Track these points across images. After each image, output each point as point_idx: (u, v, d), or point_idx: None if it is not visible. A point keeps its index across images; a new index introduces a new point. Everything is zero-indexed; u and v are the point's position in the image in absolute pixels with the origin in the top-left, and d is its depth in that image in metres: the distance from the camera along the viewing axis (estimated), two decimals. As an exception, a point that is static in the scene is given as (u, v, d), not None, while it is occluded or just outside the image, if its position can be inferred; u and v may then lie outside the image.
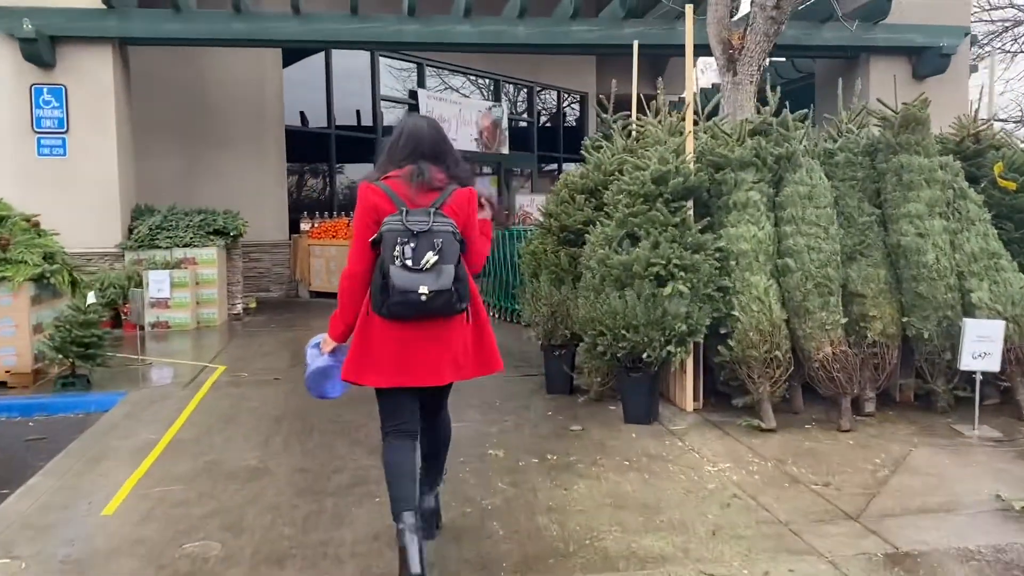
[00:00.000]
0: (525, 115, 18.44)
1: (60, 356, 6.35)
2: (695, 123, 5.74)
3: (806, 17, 10.64)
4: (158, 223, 9.93)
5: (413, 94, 15.40)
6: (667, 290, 5.01)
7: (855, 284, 5.47)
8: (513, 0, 10.74)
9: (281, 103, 13.18)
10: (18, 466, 4.95)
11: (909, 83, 10.87)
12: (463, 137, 16.00)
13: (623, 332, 5.06)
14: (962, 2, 11.59)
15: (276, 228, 13.16)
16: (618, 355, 5.16)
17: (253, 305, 11.70)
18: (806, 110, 5.86)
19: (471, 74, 16.90)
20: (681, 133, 5.63)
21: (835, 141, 5.93)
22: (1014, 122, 18.34)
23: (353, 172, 14.91)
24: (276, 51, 12.78)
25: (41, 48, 9.37)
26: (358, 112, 15.10)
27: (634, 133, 6.43)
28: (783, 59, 14.11)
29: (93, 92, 9.79)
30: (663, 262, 5.04)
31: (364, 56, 14.58)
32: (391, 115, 15.17)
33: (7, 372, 6.49)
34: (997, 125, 6.93)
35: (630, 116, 6.72)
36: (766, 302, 5.19)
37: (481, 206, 3.28)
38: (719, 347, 5.26)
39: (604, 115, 6.63)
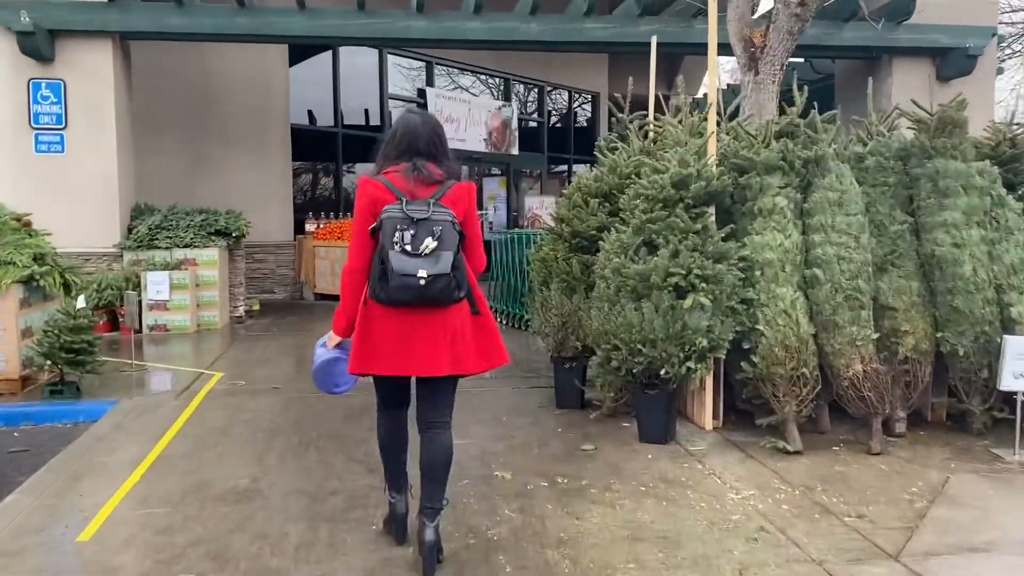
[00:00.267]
0: (535, 115, 18.13)
1: (49, 362, 6.08)
2: (716, 124, 5.42)
3: (828, 16, 10.30)
4: (158, 223, 9.66)
5: (422, 93, 15.12)
6: (687, 302, 4.69)
7: (886, 297, 5.15)
8: (525, -4, 10.47)
9: (287, 100, 12.92)
10: (-4, 481, 4.67)
11: (933, 85, 10.52)
12: (472, 137, 15.71)
13: (639, 346, 4.75)
14: (989, 1, 11.23)
15: (280, 228, 12.90)
16: (634, 371, 4.85)
17: (256, 308, 11.42)
18: (834, 111, 5.53)
19: (481, 73, 16.61)
20: (702, 134, 5.31)
21: (864, 144, 5.60)
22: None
23: (361, 172, 14.64)
24: (282, 47, 12.52)
25: (39, 42, 9.12)
26: (366, 111, 14.84)
27: (651, 134, 6.11)
28: (801, 60, 13.76)
29: (93, 87, 9.54)
30: (683, 272, 4.72)
31: (372, 54, 14.30)
32: (399, 114, 14.86)
33: (-6, 378, 6.22)
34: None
35: (647, 116, 6.40)
36: (793, 315, 4.87)
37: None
38: (742, 363, 4.94)
39: (620, 115, 6.31)
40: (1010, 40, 18.52)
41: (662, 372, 4.75)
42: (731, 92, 13.00)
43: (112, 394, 6.27)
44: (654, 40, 6.63)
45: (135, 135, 10.54)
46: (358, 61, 14.29)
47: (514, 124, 16.70)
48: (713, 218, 5.08)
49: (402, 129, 3.24)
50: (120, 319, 8.96)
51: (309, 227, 12.98)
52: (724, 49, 8.34)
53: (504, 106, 16.64)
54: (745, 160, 5.18)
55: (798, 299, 4.94)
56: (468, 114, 15.65)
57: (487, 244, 13.20)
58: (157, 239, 9.52)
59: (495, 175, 17.35)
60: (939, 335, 5.11)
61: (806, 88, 5.58)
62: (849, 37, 10.47)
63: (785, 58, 7.30)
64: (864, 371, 4.86)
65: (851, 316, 4.90)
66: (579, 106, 19.30)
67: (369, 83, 14.49)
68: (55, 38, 9.39)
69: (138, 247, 9.49)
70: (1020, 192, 5.62)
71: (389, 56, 14.49)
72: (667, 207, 4.93)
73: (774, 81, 7.29)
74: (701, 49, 11.69)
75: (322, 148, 14.10)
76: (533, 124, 18.07)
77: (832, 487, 4.28)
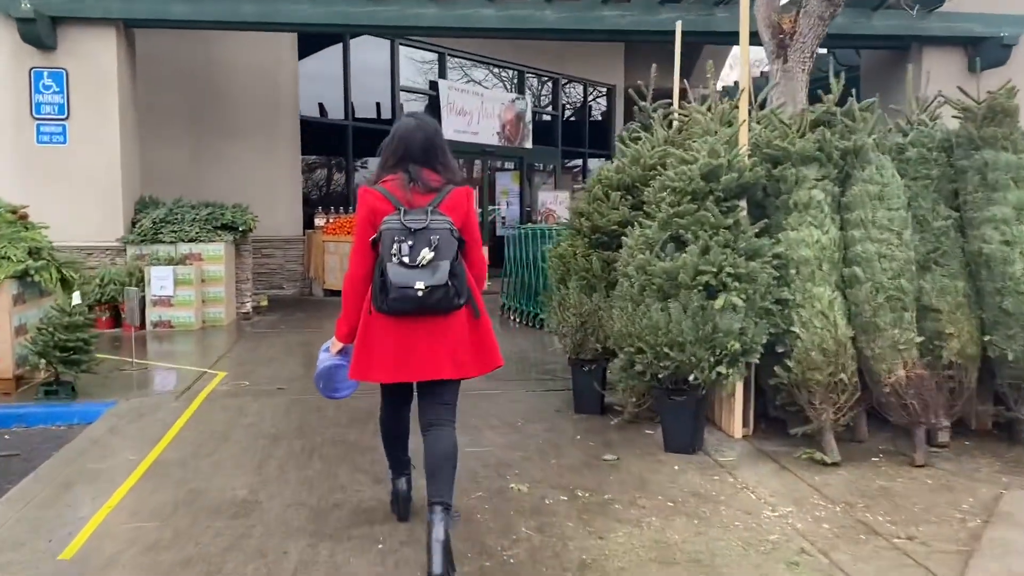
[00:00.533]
0: (549, 108, 17.78)
1: (44, 361, 5.81)
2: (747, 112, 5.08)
3: (856, 4, 9.91)
4: (162, 216, 9.39)
5: (434, 85, 14.81)
6: (719, 302, 4.36)
7: (929, 297, 4.80)
8: (541, -17, 10.13)
9: (296, 92, 12.63)
10: (-19, 490, 4.40)
11: (964, 76, 10.10)
12: (485, 130, 15.38)
13: (666, 350, 4.42)
14: (1024, -11, 10.80)
15: (289, 223, 12.63)
16: (659, 376, 4.52)
17: (264, 304, 11.17)
18: (873, 98, 5.18)
19: (494, 65, 16.27)
20: (731, 123, 4.98)
21: (905, 134, 5.25)
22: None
23: (372, 166, 14.33)
24: (291, 36, 12.23)
25: (40, 29, 8.85)
26: (378, 104, 14.54)
27: (676, 123, 5.77)
28: (823, 51, 13.36)
29: (96, 77, 9.28)
30: (714, 270, 4.39)
31: (384, 46, 14.00)
32: (411, 107, 14.60)
33: (-13, 377, 5.96)
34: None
35: (671, 104, 6.06)
36: (830, 317, 4.53)
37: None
38: (775, 368, 4.61)
39: (642, 103, 5.98)
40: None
41: (690, 378, 4.43)
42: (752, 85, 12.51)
43: (110, 394, 6.00)
44: (679, 26, 6.28)
45: (140, 126, 10.29)
46: (369, 53, 13.99)
47: (528, 117, 16.35)
48: (745, 212, 4.74)
49: (397, 136, 3.27)
50: (123, 315, 8.69)
51: (319, 222, 12.71)
52: (751, 37, 8.02)
53: (518, 99, 16.31)
54: (779, 150, 4.84)
55: (836, 299, 4.61)
56: (481, 107, 15.32)
57: (500, 239, 12.80)
58: (161, 233, 9.25)
59: (508, 169, 17.02)
60: (986, 338, 4.77)
61: (843, 74, 5.23)
62: (878, 26, 10.08)
63: (816, 45, 6.95)
64: (908, 377, 4.53)
65: (893, 318, 4.56)
66: (594, 99, 18.93)
67: (380, 75, 14.19)
68: (57, 25, 9.13)
69: (142, 241, 9.23)
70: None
71: (400, 47, 14.18)
72: (696, 200, 4.61)
73: (803, 69, 6.95)
74: (722, 38, 11.39)
75: (332, 141, 13.81)
76: (547, 117, 17.73)
77: (876, 504, 3.95)
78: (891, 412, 4.61)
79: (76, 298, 5.83)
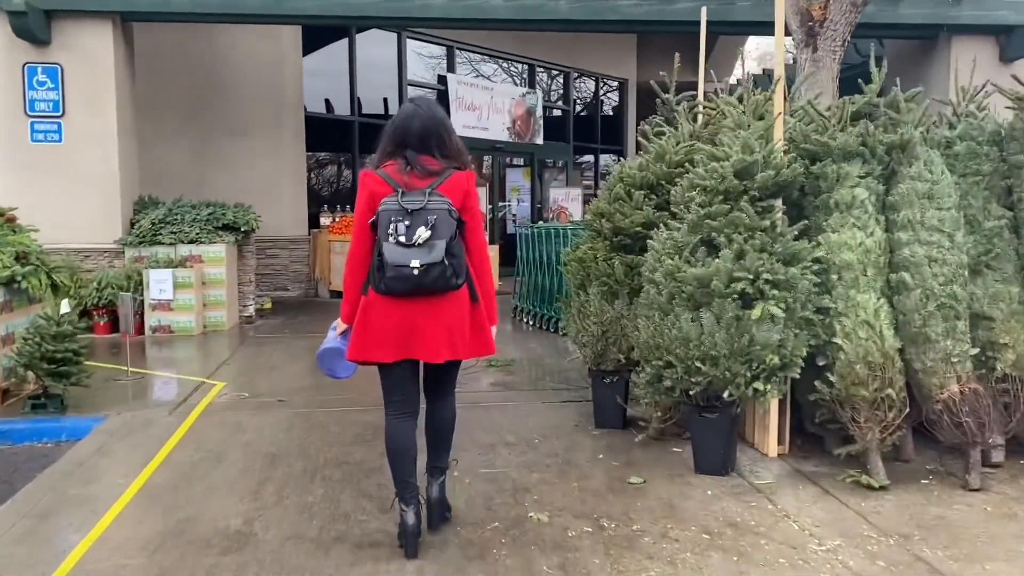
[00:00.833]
0: (560, 103, 17.38)
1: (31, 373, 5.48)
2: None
3: (882, -9, 9.49)
4: (161, 217, 9.06)
5: (442, 79, 14.43)
6: (755, 312, 3.99)
7: (981, 304, 4.42)
8: (554, -28, 9.73)
9: (300, 87, 12.28)
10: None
11: (996, 65, 9.67)
12: (495, 125, 15.00)
13: (698, 364, 4.05)
14: (1061, -25, 10.35)
15: (294, 222, 12.29)
16: (690, 391, 4.15)
17: (268, 306, 10.83)
18: (920, 88, 4.79)
19: (503, 58, 15.88)
20: (763, 117, 4.59)
21: (952, 127, 4.85)
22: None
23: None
24: (295, 30, 11.87)
25: (33, 23, 8.51)
26: (385, 100, 14.17)
27: (701, 117, 5.39)
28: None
29: (92, 72, 8.94)
30: (750, 277, 4.02)
31: (391, 41, 13.63)
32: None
33: (-29, 390, 5.63)
34: None
35: (694, 97, 5.68)
36: (876, 327, 4.15)
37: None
38: (815, 383, 4.23)
39: (665, 95, 5.59)
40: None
41: (725, 394, 4.05)
42: (766, 78, 12.14)
43: (101, 408, 5.67)
44: (704, 12, 5.90)
45: (139, 124, 9.95)
46: (376, 47, 13.63)
47: (539, 112, 15.96)
48: (782, 213, 4.36)
49: (397, 122, 3.30)
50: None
51: (324, 221, 12.38)
52: (771, 28, 7.63)
53: (528, 93, 15.91)
54: (819, 145, 4.45)
55: (882, 308, 4.22)
56: (490, 101, 14.94)
57: (511, 238, 12.34)
58: (160, 234, 8.92)
59: (518, 166, 16.63)
60: (1045, 349, 4.37)
61: (885, 61, 4.84)
62: (906, 14, 9.65)
63: (848, 33, 6.54)
64: (961, 392, 4.14)
65: (945, 328, 4.17)
66: (606, 94, 18.51)
67: (387, 70, 13.81)
68: (51, 19, 8.78)
69: (140, 243, 8.90)
70: None
71: (408, 41, 13.81)
72: (729, 200, 4.23)
73: (834, 59, 6.55)
74: (741, 28, 10.97)
75: (338, 138, 13.45)
76: (558, 112, 17.32)
77: (933, 535, 3.57)
78: (942, 431, 4.22)
79: (65, 306, 5.49)
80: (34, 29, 8.55)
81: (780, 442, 4.60)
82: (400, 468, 3.35)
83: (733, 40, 16.57)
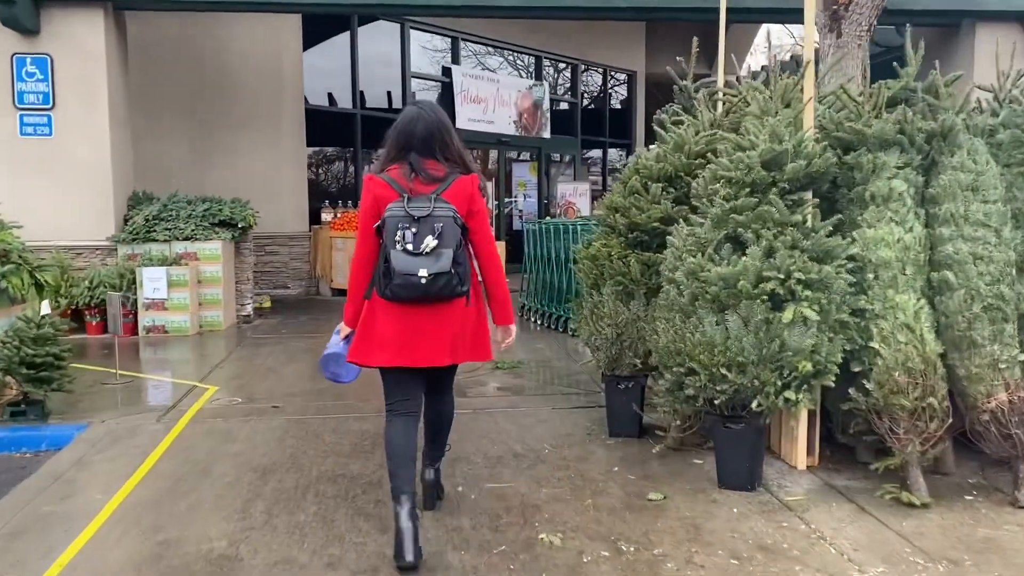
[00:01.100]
0: (568, 96, 17.02)
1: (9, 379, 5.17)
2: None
3: (904, -23, 9.11)
4: (156, 213, 8.75)
5: (447, 71, 14.10)
6: (787, 315, 3.65)
7: (1025, 304, 4.08)
8: (561, -41, 9.38)
9: (301, 79, 11.96)
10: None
11: (1020, 53, 9.27)
12: (501, 119, 14.66)
13: (723, 371, 3.72)
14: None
15: (295, 218, 11.98)
16: (715, 401, 3.82)
17: (267, 305, 10.53)
18: (959, 73, 4.44)
19: (510, 50, 15.53)
20: (789, 105, 4.25)
21: (995, 114, 4.50)
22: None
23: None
24: (295, 19, 11.55)
25: (21, 12, 8.19)
26: (389, 93, 13.85)
27: (721, 105, 5.05)
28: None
29: (83, 63, 8.61)
30: (780, 276, 3.68)
31: (393, 31, 13.30)
32: (423, 94, 13.90)
33: (-52, 396, 5.32)
34: None
35: (714, 83, 5.34)
36: (916, 330, 3.81)
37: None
38: (850, 391, 3.89)
39: (683, 83, 5.25)
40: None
41: (753, 404, 3.72)
42: (793, 63, 11.77)
43: (84, 415, 5.36)
44: (723, -5, 5.54)
45: (134, 117, 9.64)
46: (378, 39, 13.30)
47: (546, 105, 15.61)
48: (814, 207, 4.02)
49: (400, 125, 3.29)
50: (113, 320, 8.06)
51: (325, 217, 12.06)
52: (792, 15, 7.32)
53: (535, 86, 15.56)
54: (853, 133, 4.11)
55: (923, 309, 3.88)
56: (496, 94, 14.59)
57: (518, 234, 11.95)
58: (154, 231, 8.61)
59: (525, 160, 16.28)
60: (1098, 353, 4.02)
61: (922, 43, 4.49)
62: (930, 0, 9.28)
63: (874, 17, 6.18)
64: (1010, 401, 3.80)
65: (992, 331, 3.83)
66: (614, 86, 18.15)
67: (390, 62, 13.49)
68: (40, 8, 8.45)
69: (134, 240, 8.59)
70: None
71: (411, 32, 13.48)
72: (756, 192, 3.90)
73: (859, 44, 6.19)
74: (761, 16, 10.59)
75: (340, 131, 13.13)
76: (565, 105, 16.97)
77: (985, 561, 3.24)
78: (988, 443, 3.88)
79: (45, 308, 5.18)
80: (22, 18, 8.23)
81: (809, 453, 4.27)
82: (398, 469, 3.26)
83: (742, 35, 16.20)
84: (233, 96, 11.34)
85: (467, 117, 13.83)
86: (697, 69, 5.61)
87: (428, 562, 3.19)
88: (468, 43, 14.60)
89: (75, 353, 7.44)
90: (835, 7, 6.13)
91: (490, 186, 13.74)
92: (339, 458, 4.51)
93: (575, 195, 15.44)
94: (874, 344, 3.85)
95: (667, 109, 5.19)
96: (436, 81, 14.14)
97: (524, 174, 16.22)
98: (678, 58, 5.36)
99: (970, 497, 3.91)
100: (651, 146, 4.98)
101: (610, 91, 18.04)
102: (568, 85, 17.09)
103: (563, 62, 16.64)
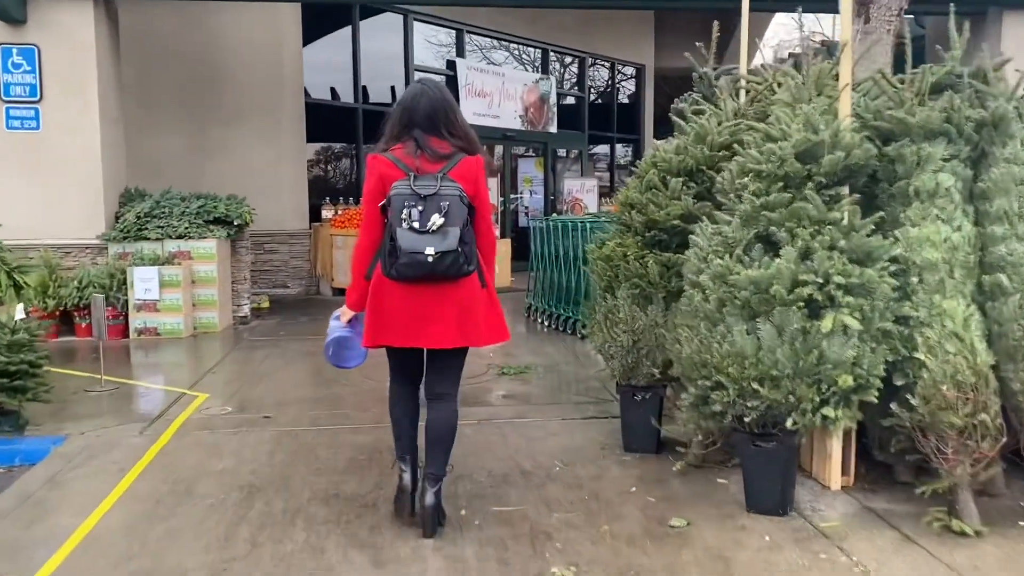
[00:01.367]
0: (575, 90, 16.65)
1: (-17, 387, 4.83)
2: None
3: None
4: (148, 210, 8.41)
5: (451, 65, 13.73)
6: (826, 323, 3.29)
7: (1085, 310, 3.70)
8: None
9: (301, 72, 11.61)
10: None
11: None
12: (507, 113, 14.29)
13: (755, 385, 3.36)
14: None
15: (294, 215, 11.64)
16: (744, 418, 3.46)
17: (265, 305, 10.19)
18: (1010, 56, 4.06)
19: (515, 42, 15.15)
20: (821, 93, 3.88)
21: (1046, 102, 4.13)
22: None
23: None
24: (295, 10, 11.20)
25: (7, 0, 7.84)
26: (392, 88, 13.50)
27: (744, 93, 4.68)
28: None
29: (72, 54, 8.26)
30: (819, 280, 3.32)
31: (396, 23, 12.95)
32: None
33: (-82, 406, 4.98)
34: None
35: (735, 70, 4.97)
36: (966, 339, 3.45)
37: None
38: (892, 405, 3.53)
39: (703, 70, 4.89)
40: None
41: (788, 422, 3.36)
42: (825, 50, 11.33)
43: (63, 425, 5.03)
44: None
45: (129, 112, 9.31)
46: (381, 32, 12.96)
47: (552, 99, 15.23)
48: (855, 203, 3.65)
49: (404, 102, 3.26)
50: (103, 322, 7.73)
51: (326, 214, 11.72)
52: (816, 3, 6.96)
53: (541, 79, 15.19)
54: (894, 122, 3.74)
55: (973, 316, 3.52)
56: (502, 88, 14.23)
57: (523, 232, 11.53)
58: (146, 229, 8.27)
59: (531, 156, 15.92)
60: None
61: (967, 25, 4.12)
62: (957, -13, 8.88)
63: (904, 1, 5.81)
64: (1071, 419, 3.44)
65: (1051, 340, 3.46)
66: (622, 80, 17.76)
67: (393, 55, 13.14)
68: (27, -4, 8.13)
69: (125, 238, 8.25)
70: None
71: (415, 23, 13.12)
72: (789, 187, 3.53)
73: (888, 30, 5.81)
74: (780, 4, 10.17)
75: (341, 126, 12.78)
76: (572, 100, 16.60)
77: (1053, 601, 2.88)
78: (1046, 463, 3.52)
79: (19, 312, 4.87)
80: (8, 7, 7.89)
81: (844, 472, 3.90)
82: (402, 430, 3.45)
83: (752, 30, 15.80)
84: (231, 89, 11.01)
85: (472, 111, 13.46)
86: (705, 64, 5.25)
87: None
88: (473, 35, 14.24)
89: (62, 357, 7.16)
90: (863, -10, 5.75)
91: (495, 182, 13.39)
92: (333, 475, 4.17)
93: (582, 191, 15.09)
94: (919, 355, 3.48)
95: (686, 98, 4.83)
96: (440, 75, 13.78)
97: (530, 170, 15.86)
98: (697, 43, 4.99)
99: (1024, 523, 3.55)
100: (669, 138, 4.61)
101: (618, 85, 17.66)
102: (575, 79, 16.71)
103: (570, 55, 16.27)
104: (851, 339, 3.33)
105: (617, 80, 17.55)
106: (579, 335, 7.90)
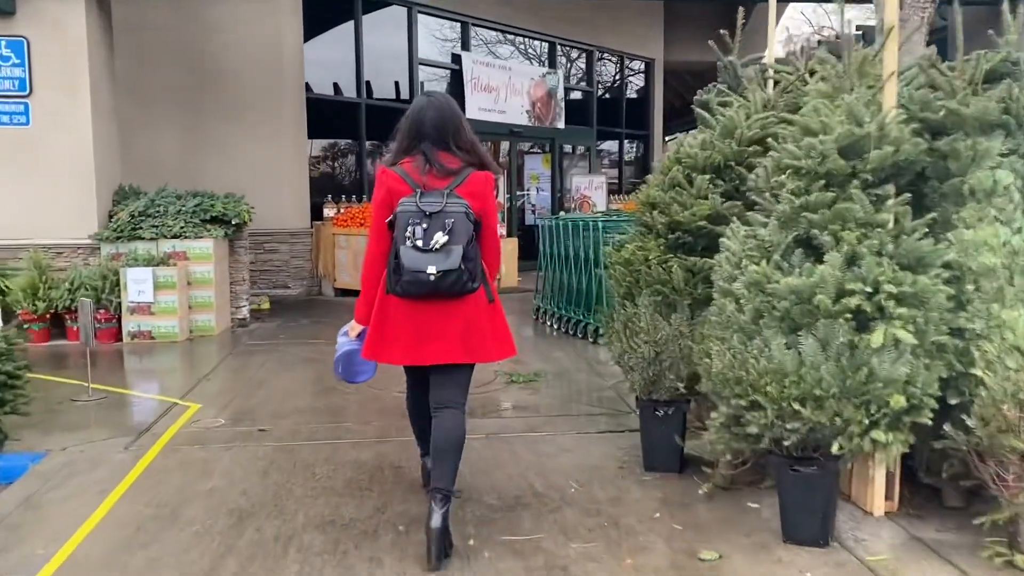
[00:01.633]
0: (583, 84, 16.30)
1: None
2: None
3: (953, -51, 8.35)
4: (142, 208, 8.10)
5: (456, 59, 13.41)
6: (876, 337, 2.96)
7: None
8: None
9: (302, 67, 11.29)
10: None
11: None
12: (513, 108, 13.97)
13: (796, 406, 3.03)
14: None
15: (295, 214, 11.33)
16: (784, 441, 3.13)
17: (265, 307, 9.89)
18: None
19: (522, 35, 14.82)
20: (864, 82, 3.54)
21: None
22: None
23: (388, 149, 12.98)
24: (295, 1, 10.86)
25: (-6, -9, 7.56)
26: (396, 84, 13.18)
27: (774, 84, 4.35)
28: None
29: (63, 47, 7.94)
30: (867, 289, 2.99)
31: (400, 17, 12.62)
32: (431, 83, 13.23)
33: None
34: None
35: (761, 58, 4.64)
36: (1030, 354, 3.11)
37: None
38: (946, 426, 3.20)
39: (728, 59, 4.55)
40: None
41: (834, 447, 3.03)
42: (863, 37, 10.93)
43: (45, 439, 4.73)
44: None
45: (121, 106, 9.00)
46: (384, 25, 12.64)
47: (560, 94, 14.90)
48: (905, 203, 3.31)
49: (410, 117, 3.26)
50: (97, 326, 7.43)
51: (328, 212, 11.40)
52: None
53: (549, 73, 14.85)
54: (946, 114, 3.40)
55: (1035, 328, 3.18)
56: (508, 82, 13.90)
57: (530, 230, 11.15)
58: (140, 228, 7.96)
59: (537, 152, 15.58)
60: None
61: (1021, 6, 3.78)
62: (983, -25, 8.52)
63: (939, -14, 5.47)
64: None
65: (1123, 355, 3.12)
66: (631, 75, 17.41)
67: (397, 49, 12.82)
68: (15, -14, 7.82)
69: (118, 238, 7.94)
70: None
71: (419, 16, 12.79)
72: (832, 186, 3.20)
73: (923, 17, 5.49)
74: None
75: (343, 122, 12.47)
76: (580, 94, 16.25)
77: None
78: (1116, 490, 3.17)
79: (-3, 319, 4.53)
80: (-4, -3, 7.60)
81: (888, 497, 3.57)
82: (419, 427, 3.59)
83: (762, 23, 15.44)
84: (229, 83, 10.70)
85: (478, 106, 13.15)
86: (706, 55, 4.94)
87: None
88: (478, 28, 13.91)
89: (51, 362, 6.86)
90: (896, -25, 5.40)
91: (501, 179, 13.06)
92: (331, 497, 3.85)
93: (590, 188, 14.76)
94: (976, 371, 3.15)
95: (710, 88, 4.49)
96: (445, 69, 13.47)
97: (537, 166, 15.53)
98: (721, 31, 4.65)
99: (1091, 555, 3.21)
100: (692, 131, 4.29)
101: (627, 80, 17.31)
102: (583, 73, 16.36)
103: (578, 49, 15.93)
104: (904, 354, 3.00)
105: (626, 75, 17.20)
106: (590, 339, 7.58)
